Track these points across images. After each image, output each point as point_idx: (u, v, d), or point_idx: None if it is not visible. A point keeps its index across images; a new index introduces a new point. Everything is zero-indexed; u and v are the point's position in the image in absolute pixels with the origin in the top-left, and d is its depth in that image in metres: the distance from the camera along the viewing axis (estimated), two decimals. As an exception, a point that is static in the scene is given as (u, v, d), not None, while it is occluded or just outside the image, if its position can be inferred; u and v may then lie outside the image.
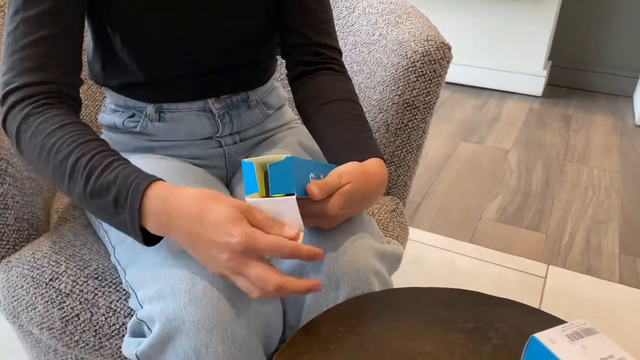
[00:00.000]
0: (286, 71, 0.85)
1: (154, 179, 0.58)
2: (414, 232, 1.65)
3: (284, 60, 0.85)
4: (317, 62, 0.81)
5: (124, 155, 0.82)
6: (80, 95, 0.71)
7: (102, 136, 0.87)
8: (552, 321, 0.65)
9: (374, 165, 0.69)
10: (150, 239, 0.61)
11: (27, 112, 0.62)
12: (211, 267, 0.58)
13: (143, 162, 0.79)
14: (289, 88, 1.15)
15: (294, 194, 0.58)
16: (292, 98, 1.16)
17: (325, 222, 0.65)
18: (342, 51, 1.09)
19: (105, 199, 0.58)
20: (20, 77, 0.63)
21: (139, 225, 0.58)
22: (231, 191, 0.86)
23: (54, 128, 0.61)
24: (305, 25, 0.80)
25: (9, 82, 0.64)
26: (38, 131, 0.61)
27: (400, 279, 1.42)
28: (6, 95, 0.64)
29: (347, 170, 0.65)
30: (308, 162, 0.63)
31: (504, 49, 2.77)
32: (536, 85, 2.78)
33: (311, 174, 0.63)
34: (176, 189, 0.58)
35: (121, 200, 0.57)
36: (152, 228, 0.58)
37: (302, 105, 0.80)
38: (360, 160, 0.69)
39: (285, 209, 0.59)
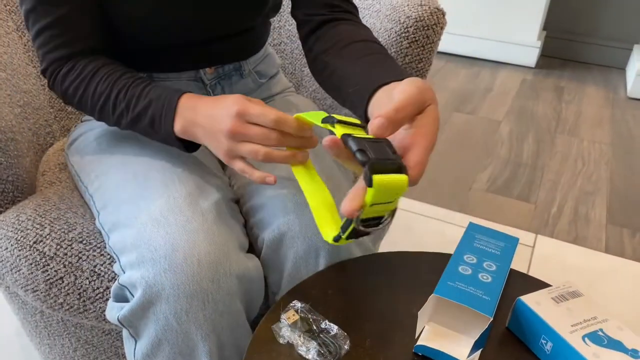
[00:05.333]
0: (297, 30, 0.78)
1: (181, 93, 0.66)
2: (404, 201, 1.65)
3: (281, 26, 0.83)
4: (332, 14, 0.74)
5: None
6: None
7: None
8: (539, 285, 0.66)
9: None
10: (191, 146, 0.68)
11: (67, 69, 0.70)
12: (224, 155, 0.63)
13: None
14: (283, 54, 1.12)
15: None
16: (295, 60, 1.13)
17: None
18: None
19: (144, 122, 0.67)
20: (56, 51, 0.69)
21: (175, 138, 0.66)
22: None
23: (91, 75, 0.69)
24: None
25: (47, 57, 0.70)
26: (78, 85, 0.69)
27: (390, 248, 1.43)
28: (46, 68, 0.71)
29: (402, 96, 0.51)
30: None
31: (498, 19, 2.73)
32: (530, 56, 2.76)
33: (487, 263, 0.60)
34: (200, 97, 0.65)
35: (156, 121, 0.66)
36: (181, 132, 0.65)
37: (318, 58, 0.72)
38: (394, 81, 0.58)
39: None
